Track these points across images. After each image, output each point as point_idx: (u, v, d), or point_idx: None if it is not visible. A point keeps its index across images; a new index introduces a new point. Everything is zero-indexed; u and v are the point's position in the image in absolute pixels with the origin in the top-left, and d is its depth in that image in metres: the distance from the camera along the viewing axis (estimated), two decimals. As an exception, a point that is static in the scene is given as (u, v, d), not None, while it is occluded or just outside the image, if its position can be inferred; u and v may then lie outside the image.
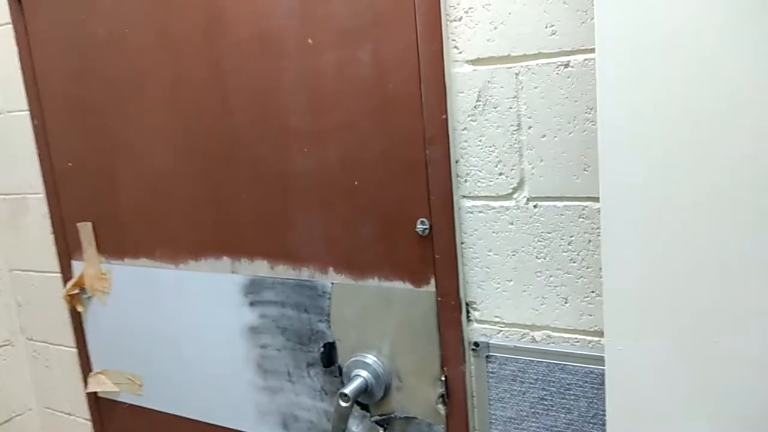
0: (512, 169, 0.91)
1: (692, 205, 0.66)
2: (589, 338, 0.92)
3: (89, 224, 1.41)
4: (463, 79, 0.91)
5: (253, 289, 1.21)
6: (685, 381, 0.70)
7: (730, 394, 0.68)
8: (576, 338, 0.92)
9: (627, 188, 0.69)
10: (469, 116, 0.92)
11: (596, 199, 0.86)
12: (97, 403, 1.55)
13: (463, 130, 0.93)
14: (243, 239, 1.20)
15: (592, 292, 0.90)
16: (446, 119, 0.92)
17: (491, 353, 0.98)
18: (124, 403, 1.49)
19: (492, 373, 0.98)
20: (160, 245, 1.32)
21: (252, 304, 1.22)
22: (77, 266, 1.46)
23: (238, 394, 1.29)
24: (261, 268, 1.19)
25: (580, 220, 0.88)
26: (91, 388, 1.52)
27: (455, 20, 0.90)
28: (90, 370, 1.52)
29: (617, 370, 0.75)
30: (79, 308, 1.48)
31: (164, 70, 1.21)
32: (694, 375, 0.70)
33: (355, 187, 1.05)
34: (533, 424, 0.97)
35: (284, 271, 1.17)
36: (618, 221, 0.71)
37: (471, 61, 0.90)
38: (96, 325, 1.48)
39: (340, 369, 1.14)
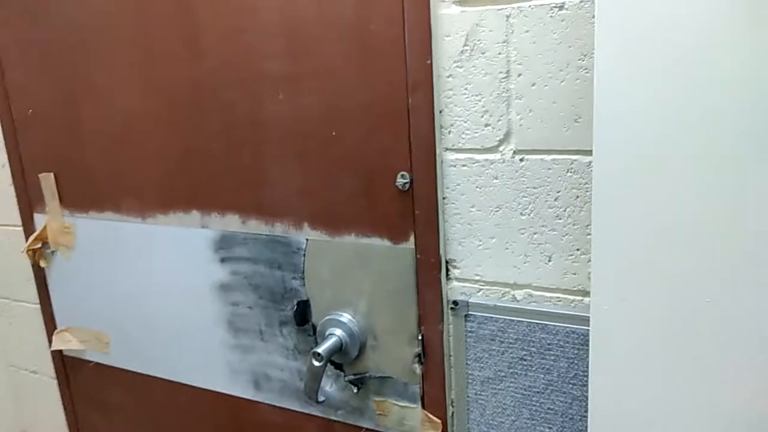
0: (499, 120, 0.86)
1: (690, 162, 0.62)
2: (571, 297, 0.89)
3: (51, 175, 1.34)
4: (449, 22, 0.86)
5: (224, 245, 1.16)
6: (671, 342, 0.68)
7: (717, 357, 0.66)
8: (558, 297, 0.90)
9: (622, 141, 0.66)
10: (455, 62, 0.87)
11: (586, 153, 0.82)
12: (63, 362, 1.50)
13: (448, 77, 0.88)
14: (214, 192, 1.15)
15: (577, 249, 0.87)
16: (431, 65, 0.87)
17: (470, 312, 0.95)
18: (91, 362, 1.44)
19: (471, 332, 0.96)
20: (126, 198, 1.25)
21: (223, 260, 1.17)
22: (40, 219, 1.39)
23: (208, 353, 1.25)
24: (232, 222, 1.14)
25: (569, 174, 0.84)
26: (56, 346, 1.46)
27: (443, -43, 0.84)
28: (55, 328, 1.47)
29: (602, 329, 0.72)
30: (42, 263, 1.42)
31: (129, 9, 1.13)
32: (681, 336, 0.67)
33: (333, 137, 1.00)
34: (511, 384, 0.94)
35: (257, 227, 1.12)
36: (610, 175, 0.67)
37: (458, 1, 0.84)
38: (60, 281, 1.42)
39: (314, 327, 1.11)
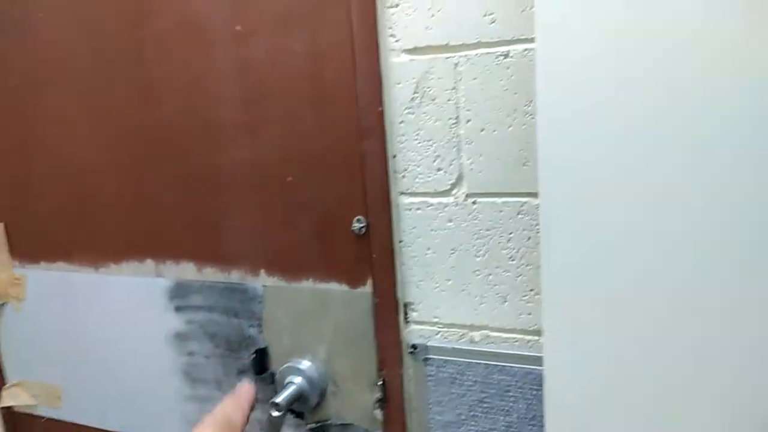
0: (450, 165, 0.88)
1: (633, 201, 0.64)
2: (528, 338, 0.89)
3: (1, 225, 1.31)
4: (400, 70, 0.87)
5: (179, 293, 1.14)
6: (625, 382, 0.69)
7: (670, 394, 0.67)
8: (515, 338, 0.90)
9: (566, 184, 0.67)
10: (406, 108, 0.88)
11: (536, 195, 0.84)
12: (13, 418, 1.44)
13: (400, 123, 0.89)
14: (168, 240, 1.13)
15: (531, 290, 0.88)
16: (382, 112, 0.89)
17: (429, 355, 0.94)
18: (43, 417, 1.39)
19: (430, 375, 0.95)
20: (78, 248, 1.23)
21: (178, 308, 1.15)
22: (-12, 271, 1.35)
23: (164, 405, 1.21)
24: (187, 270, 1.12)
25: (519, 216, 0.86)
26: (6, 402, 1.40)
27: (391, 6, 0.86)
28: (4, 383, 1.41)
29: (556, 370, 0.73)
30: (-9, 316, 1.37)
31: (82, 59, 1.13)
32: (635, 374, 0.68)
33: (288, 183, 1.00)
34: (472, 427, 0.94)
35: (212, 274, 1.10)
36: (556, 217, 0.69)
37: (408, 50, 0.86)
38: (10, 334, 1.37)
39: (272, 376, 1.09)
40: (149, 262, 1.16)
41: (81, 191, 1.19)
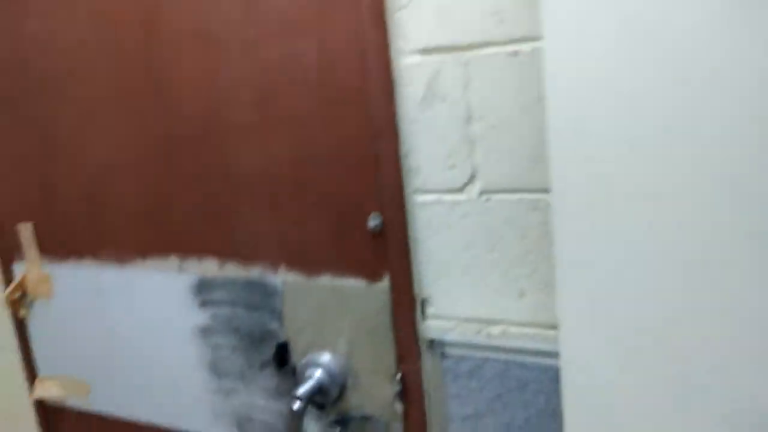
0: (464, 162, 0.88)
1: (644, 196, 0.64)
2: (545, 332, 0.90)
3: (29, 225, 1.34)
4: (410, 70, 0.88)
5: (203, 289, 1.16)
6: (641, 375, 0.69)
7: (686, 387, 0.67)
8: (533, 333, 0.90)
9: (578, 179, 0.67)
10: (418, 108, 0.88)
11: (549, 191, 0.84)
12: (44, 410, 1.49)
13: (412, 122, 0.90)
14: (190, 238, 1.15)
15: (546, 286, 0.88)
16: (394, 112, 0.89)
17: (447, 350, 0.96)
18: (73, 409, 1.43)
19: (448, 369, 0.96)
20: (104, 245, 1.26)
21: (202, 304, 1.17)
22: (18, 268, 1.39)
23: (191, 396, 1.25)
24: (210, 267, 1.14)
25: (535, 212, 0.86)
26: (38, 395, 1.45)
27: (401, 8, 0.86)
28: (35, 376, 1.46)
29: (572, 364, 0.73)
30: (22, 312, 1.41)
31: (100, 69, 1.15)
32: (650, 369, 0.68)
33: (305, 182, 1.01)
34: (491, 421, 0.95)
35: (234, 270, 1.12)
36: (569, 213, 0.69)
37: (418, 50, 0.86)
38: (40, 330, 1.42)
39: (293, 369, 1.11)
40: (173, 259, 1.18)
41: (104, 190, 1.22)
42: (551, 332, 0.89)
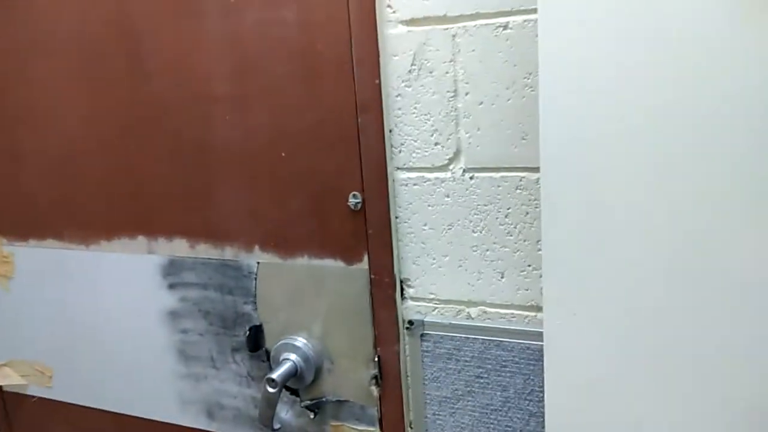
0: (448, 139, 0.87)
1: (635, 174, 0.64)
2: (525, 313, 0.89)
3: (-12, 203, 1.28)
4: (397, 41, 0.86)
5: (172, 271, 1.13)
6: (624, 356, 0.68)
7: (668, 370, 0.67)
8: (512, 314, 0.90)
9: (568, 158, 0.66)
10: (403, 81, 0.87)
11: (534, 170, 0.83)
12: (3, 398, 1.43)
13: (397, 96, 0.88)
14: (160, 217, 1.11)
15: (529, 265, 0.87)
16: (379, 84, 0.87)
17: (426, 331, 0.94)
18: (33, 397, 1.38)
19: (427, 351, 0.95)
20: (68, 225, 1.21)
21: (171, 286, 1.14)
22: (-25, 249, 1.33)
23: (158, 383, 1.21)
24: (180, 247, 1.11)
25: (518, 191, 0.85)
26: (-4, 382, 1.39)
27: (388, -23, 0.85)
28: (-7, 363, 1.40)
29: (556, 344, 0.72)
30: (-21, 295, 1.35)
31: (70, 32, 1.10)
32: (635, 348, 0.68)
33: (282, 158, 0.98)
34: (469, 403, 0.94)
35: (206, 251, 1.09)
36: (558, 192, 0.68)
37: (405, 21, 0.85)
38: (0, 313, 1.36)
39: (267, 353, 1.08)
40: (141, 239, 1.14)
41: (70, 167, 1.17)
42: (530, 313, 0.89)
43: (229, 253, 1.07)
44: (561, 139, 0.66)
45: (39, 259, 1.26)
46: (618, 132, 0.63)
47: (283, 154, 0.98)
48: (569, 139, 0.66)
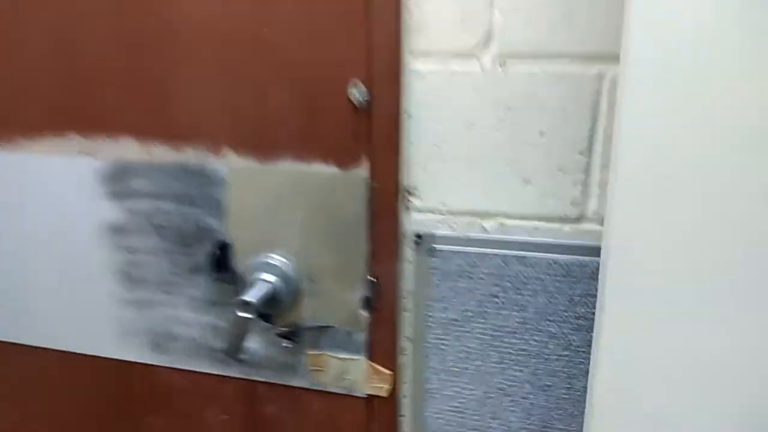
0: (479, 19, 0.73)
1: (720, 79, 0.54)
2: (551, 225, 0.80)
3: None
4: None
5: (117, 177, 0.94)
6: (691, 273, 0.60)
7: (740, 288, 0.59)
8: (537, 226, 0.80)
9: (662, 45, 0.55)
10: (433, -59, 0.72)
11: (580, 59, 0.72)
12: None
13: (422, -40, 0.73)
14: (100, 111, 0.91)
15: (560, 170, 0.77)
16: (405, -58, 0.72)
17: (436, 245, 0.83)
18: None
19: (435, 268, 0.84)
20: (-24, 119, 0.97)
21: (115, 195, 0.95)
22: None
23: (93, 312, 1.03)
24: (127, 148, 0.92)
25: (558, 84, 0.73)
26: None
27: None
28: None
29: (618, 259, 0.63)
30: None
31: None
32: (701, 267, 0.59)
33: (265, 38, 0.81)
34: (479, 325, 0.84)
35: (161, 153, 0.91)
36: (638, 87, 0.56)
37: None
38: None
39: (234, 275, 0.93)
40: (74, 138, 0.93)
41: (-24, 46, 0.93)
42: (558, 225, 0.79)
43: (191, 155, 0.89)
44: (650, 24, 0.54)
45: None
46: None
47: (266, 30, 0.81)
48: (659, 27, 0.54)
